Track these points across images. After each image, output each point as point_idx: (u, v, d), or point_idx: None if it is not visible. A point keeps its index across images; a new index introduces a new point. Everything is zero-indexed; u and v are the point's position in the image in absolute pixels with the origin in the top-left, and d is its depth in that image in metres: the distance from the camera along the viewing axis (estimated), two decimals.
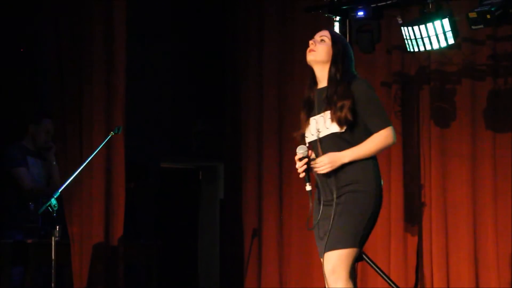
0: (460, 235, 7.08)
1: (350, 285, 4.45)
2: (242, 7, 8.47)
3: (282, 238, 8.05)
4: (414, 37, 6.66)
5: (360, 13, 6.93)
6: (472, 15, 6.24)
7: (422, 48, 6.69)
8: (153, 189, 8.95)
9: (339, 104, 4.48)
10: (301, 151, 4.55)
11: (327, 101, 4.54)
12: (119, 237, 6.96)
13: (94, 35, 7.04)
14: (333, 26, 7.20)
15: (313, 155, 4.62)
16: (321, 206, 4.58)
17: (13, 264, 6.62)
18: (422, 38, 6.62)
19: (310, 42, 4.65)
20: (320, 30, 4.74)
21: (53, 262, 6.01)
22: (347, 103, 4.47)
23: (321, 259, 4.54)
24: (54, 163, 7.05)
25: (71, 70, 7.01)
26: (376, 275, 7.08)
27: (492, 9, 6.15)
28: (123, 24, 7.10)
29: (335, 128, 4.50)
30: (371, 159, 4.54)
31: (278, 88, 8.17)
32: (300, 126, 4.68)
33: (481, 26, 6.28)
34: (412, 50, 6.75)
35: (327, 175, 4.51)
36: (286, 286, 7.97)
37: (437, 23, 6.54)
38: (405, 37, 6.73)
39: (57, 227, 6.30)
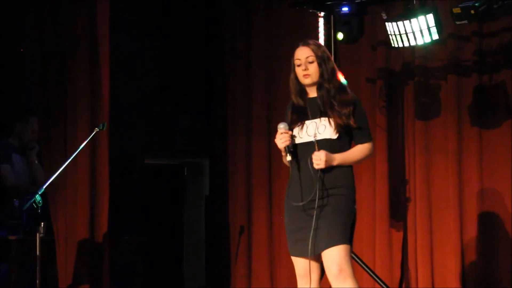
0: (444, 230, 7.08)
1: (357, 282, 4.62)
2: (229, 3, 8.46)
3: (273, 236, 8.03)
4: (398, 33, 6.67)
5: (345, 9, 6.96)
6: (456, 10, 6.27)
7: (406, 44, 6.70)
8: (138, 185, 8.93)
9: (343, 111, 4.63)
10: (282, 125, 4.75)
11: (325, 109, 4.67)
12: (104, 233, 6.94)
13: (77, 31, 7.01)
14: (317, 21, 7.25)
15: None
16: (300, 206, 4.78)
17: None
18: (406, 33, 6.64)
19: (301, 68, 4.72)
20: (303, 37, 4.86)
21: (37, 259, 5.99)
22: (347, 110, 4.64)
23: (297, 258, 4.94)
24: (36, 162, 7.05)
25: (55, 67, 6.99)
26: (362, 271, 7.09)
27: (476, 4, 6.18)
28: (107, 20, 7.08)
29: (328, 134, 4.66)
30: (351, 167, 4.76)
31: (266, 83, 8.17)
32: (289, 126, 4.78)
33: (465, 21, 6.32)
34: (396, 45, 6.76)
35: (315, 174, 4.64)
36: (277, 286, 7.94)
37: (421, 18, 6.55)
38: (389, 33, 6.74)
39: (42, 223, 6.30)
